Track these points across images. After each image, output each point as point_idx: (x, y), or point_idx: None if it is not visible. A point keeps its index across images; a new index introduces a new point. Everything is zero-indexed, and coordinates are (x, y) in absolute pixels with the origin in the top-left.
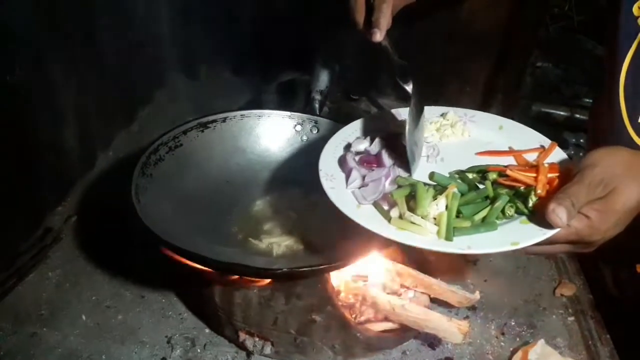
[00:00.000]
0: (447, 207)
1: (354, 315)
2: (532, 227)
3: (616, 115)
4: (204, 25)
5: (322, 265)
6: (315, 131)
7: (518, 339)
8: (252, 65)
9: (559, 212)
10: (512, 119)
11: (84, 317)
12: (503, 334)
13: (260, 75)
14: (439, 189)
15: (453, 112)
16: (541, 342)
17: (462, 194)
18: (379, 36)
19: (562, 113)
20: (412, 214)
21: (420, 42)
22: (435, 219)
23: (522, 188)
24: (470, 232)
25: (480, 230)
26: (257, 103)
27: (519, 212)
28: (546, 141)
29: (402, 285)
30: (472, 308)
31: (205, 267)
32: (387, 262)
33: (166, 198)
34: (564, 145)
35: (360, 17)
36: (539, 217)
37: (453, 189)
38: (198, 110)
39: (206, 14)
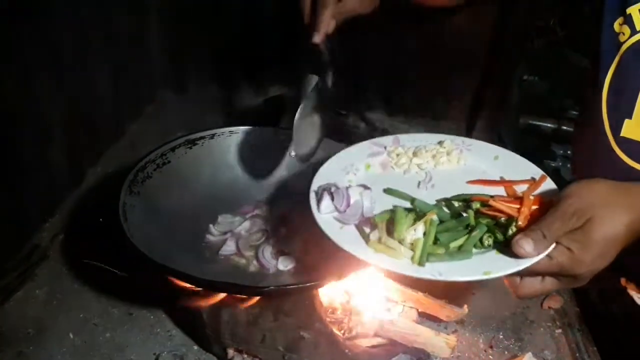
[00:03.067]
0: (425, 233)
1: (342, 331)
2: (507, 259)
3: (599, 129)
4: (192, 41)
5: (310, 282)
6: None
7: (506, 352)
8: (240, 81)
9: (522, 243)
10: (499, 131)
11: (71, 335)
12: (491, 347)
13: (248, 91)
14: (421, 214)
15: (450, 141)
16: (529, 355)
17: (444, 221)
18: (316, 38)
19: (549, 125)
20: (389, 237)
21: (406, 57)
22: (412, 244)
23: (503, 219)
24: (444, 259)
25: (454, 257)
26: (245, 119)
27: (496, 243)
28: (538, 173)
29: (390, 300)
30: (461, 322)
31: (192, 285)
32: (375, 277)
33: (154, 215)
34: (551, 157)
35: (306, 19)
36: None
37: (432, 216)
38: (187, 125)
39: (195, 30)
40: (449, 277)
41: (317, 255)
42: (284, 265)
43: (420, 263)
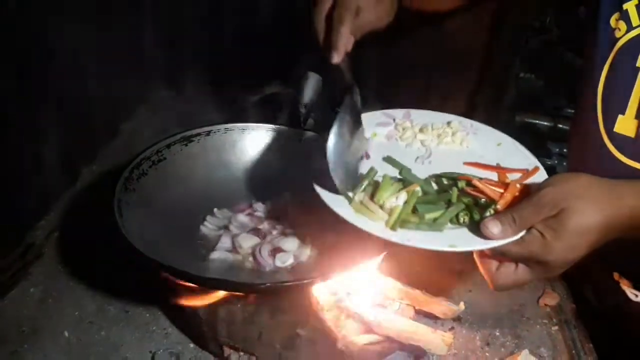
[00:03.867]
0: (405, 202)
1: (338, 329)
2: (477, 237)
3: (593, 125)
4: (187, 38)
5: (306, 280)
6: (299, 144)
7: (503, 349)
8: (236, 78)
9: (490, 224)
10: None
11: (66, 334)
12: (488, 344)
13: (244, 89)
14: (407, 184)
15: (458, 122)
16: (525, 352)
17: (427, 194)
18: (335, 58)
19: (545, 123)
20: (370, 200)
21: (403, 58)
22: (391, 209)
23: (483, 200)
24: (415, 228)
25: (424, 227)
26: (241, 116)
27: (472, 222)
28: (536, 164)
29: (386, 298)
30: (457, 319)
31: (188, 282)
32: (371, 274)
33: (150, 213)
34: (547, 155)
35: (321, 38)
36: None
37: (416, 187)
38: (182, 123)
39: (190, 27)
40: (415, 243)
41: (313, 252)
42: (280, 262)
43: (393, 227)
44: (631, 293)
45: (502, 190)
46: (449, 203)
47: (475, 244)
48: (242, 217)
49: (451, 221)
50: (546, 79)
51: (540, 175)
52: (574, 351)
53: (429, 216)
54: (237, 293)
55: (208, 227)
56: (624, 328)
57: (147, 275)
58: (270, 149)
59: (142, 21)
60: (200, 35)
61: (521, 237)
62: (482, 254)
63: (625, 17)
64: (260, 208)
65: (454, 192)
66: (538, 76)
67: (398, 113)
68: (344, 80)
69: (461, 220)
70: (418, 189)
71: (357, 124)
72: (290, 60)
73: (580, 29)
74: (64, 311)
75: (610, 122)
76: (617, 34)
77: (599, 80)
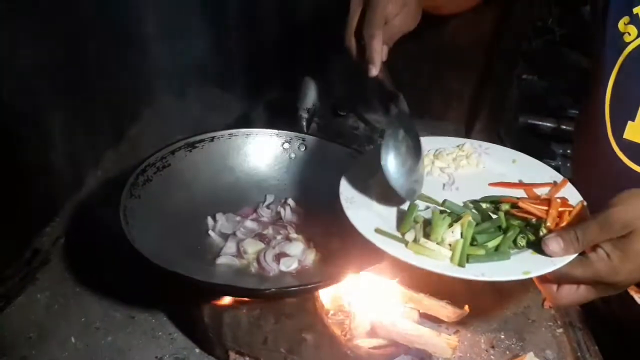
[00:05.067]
0: (461, 234)
1: (343, 333)
2: (543, 258)
3: (601, 131)
4: (192, 44)
5: (311, 284)
6: (303, 148)
7: (508, 352)
8: (239, 83)
9: (551, 242)
10: (499, 131)
11: (73, 339)
12: (493, 347)
13: (248, 93)
14: (454, 217)
15: (469, 144)
16: (530, 354)
17: (476, 223)
18: (373, 71)
19: (548, 124)
20: (426, 240)
21: (406, 58)
22: (450, 245)
23: (533, 220)
24: (483, 260)
25: (493, 258)
26: (245, 121)
27: (529, 243)
28: (558, 176)
29: (391, 301)
30: (462, 322)
31: (193, 288)
32: (375, 278)
33: (155, 219)
34: (551, 156)
35: (354, 53)
36: None
37: (468, 218)
38: (187, 128)
39: (194, 32)
40: (492, 277)
41: (317, 257)
42: (285, 267)
43: (461, 264)
44: (638, 297)
45: (544, 207)
46: (499, 229)
47: (546, 266)
48: (248, 222)
49: (509, 247)
50: (549, 80)
51: (569, 187)
52: (579, 354)
53: (490, 245)
54: (243, 298)
55: (213, 232)
56: (630, 331)
57: (152, 280)
58: (274, 154)
59: (147, 25)
60: (204, 40)
61: (587, 257)
62: (543, 277)
63: (635, 21)
64: (265, 213)
65: (501, 216)
66: (541, 77)
67: None
68: (387, 90)
69: (519, 244)
70: (471, 219)
71: (410, 131)
72: (293, 64)
73: (584, 29)
74: (71, 317)
75: (619, 129)
76: (627, 39)
77: (607, 85)
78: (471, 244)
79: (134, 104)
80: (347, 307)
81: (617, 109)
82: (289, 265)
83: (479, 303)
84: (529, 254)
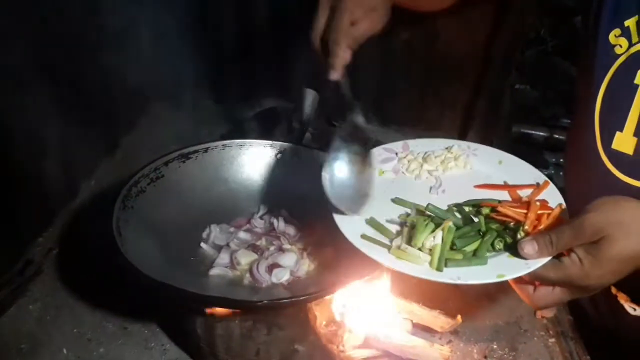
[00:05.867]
0: (442, 239)
1: (336, 344)
2: (518, 261)
3: (591, 141)
4: (186, 54)
5: (303, 296)
6: (296, 159)
7: None
8: (233, 93)
9: (526, 245)
10: (492, 140)
11: (65, 351)
12: (485, 357)
13: (241, 104)
14: (437, 221)
15: (457, 146)
16: None
17: (458, 227)
18: (335, 75)
19: (541, 133)
20: (407, 245)
21: (399, 68)
22: (430, 249)
23: (512, 224)
24: (461, 265)
25: (471, 263)
26: (239, 132)
27: (506, 246)
28: (541, 178)
29: (384, 312)
30: (455, 332)
31: (185, 300)
32: (368, 289)
33: (148, 230)
34: (544, 165)
35: (320, 57)
36: None
37: (449, 223)
38: (181, 137)
39: (188, 43)
40: (467, 280)
41: (311, 267)
42: (278, 278)
43: (439, 268)
44: (629, 307)
45: (524, 211)
46: (479, 232)
47: (521, 269)
48: (241, 233)
49: (487, 250)
50: (542, 90)
51: (551, 189)
52: None
53: (468, 249)
54: (235, 310)
55: (207, 243)
56: (621, 341)
57: (145, 292)
58: (268, 165)
59: (141, 36)
60: (198, 49)
61: (560, 261)
62: (518, 278)
63: (626, 33)
64: (258, 224)
65: (481, 220)
66: (534, 87)
67: (397, 146)
68: (345, 98)
69: (497, 247)
70: (451, 224)
71: (360, 141)
72: (287, 75)
73: (577, 39)
74: (63, 328)
75: (608, 139)
76: (618, 51)
77: (596, 96)
78: (451, 248)
79: (128, 114)
80: (339, 318)
81: (606, 119)
82: (281, 276)
83: (472, 313)
84: (505, 257)
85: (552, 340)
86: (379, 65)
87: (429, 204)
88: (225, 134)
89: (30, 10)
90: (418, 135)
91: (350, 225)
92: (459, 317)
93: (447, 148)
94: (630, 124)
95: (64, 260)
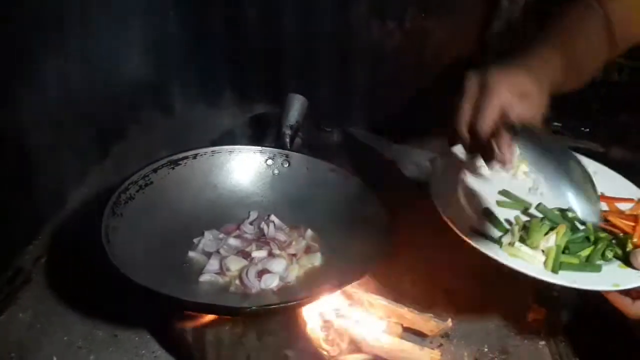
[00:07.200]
0: (555, 242)
1: (327, 349)
2: (631, 272)
3: None
4: (176, 60)
5: (293, 301)
6: (286, 165)
7: None
8: (223, 99)
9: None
10: None
11: (55, 359)
12: None
13: (231, 110)
14: (549, 223)
15: None
16: None
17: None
18: (509, 169)
19: None
20: (521, 244)
21: (389, 73)
22: (543, 251)
23: (620, 234)
24: (575, 269)
25: (585, 269)
26: (228, 138)
27: (616, 257)
28: (638, 193)
29: (374, 316)
30: (445, 335)
31: (173, 307)
32: (358, 293)
33: (137, 237)
34: None
35: (467, 147)
36: None
37: (564, 227)
38: (171, 144)
39: (178, 49)
40: (582, 285)
41: (300, 273)
42: (267, 284)
43: (554, 270)
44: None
45: (632, 223)
46: (587, 239)
47: (635, 280)
48: (231, 239)
49: (598, 258)
50: None
51: None
52: None
53: (582, 254)
54: (225, 316)
55: (196, 249)
56: (611, 343)
57: (135, 299)
58: (257, 170)
59: (131, 42)
60: (189, 56)
61: None
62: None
63: None
64: (248, 229)
65: (590, 227)
66: None
67: None
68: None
69: (608, 256)
70: (566, 228)
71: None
72: (277, 81)
73: None
74: (53, 336)
75: None
76: None
77: None
78: (562, 252)
79: (119, 121)
80: (329, 322)
81: None
82: (270, 283)
83: (462, 316)
84: (617, 266)
85: (542, 343)
86: (370, 71)
87: (540, 203)
88: (215, 140)
89: (21, 15)
90: (409, 141)
91: (458, 220)
92: (449, 320)
93: None
94: None
95: (54, 268)
